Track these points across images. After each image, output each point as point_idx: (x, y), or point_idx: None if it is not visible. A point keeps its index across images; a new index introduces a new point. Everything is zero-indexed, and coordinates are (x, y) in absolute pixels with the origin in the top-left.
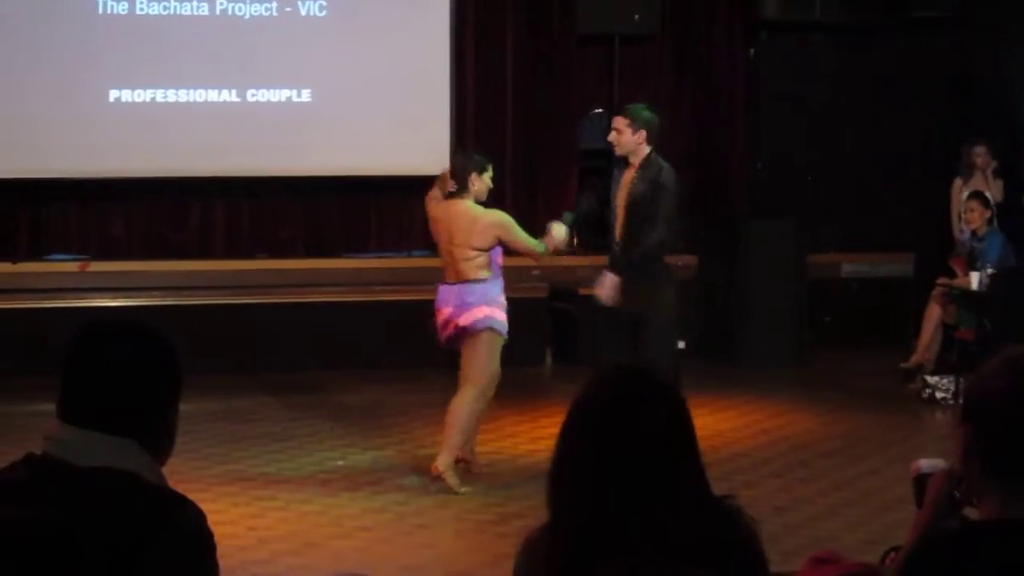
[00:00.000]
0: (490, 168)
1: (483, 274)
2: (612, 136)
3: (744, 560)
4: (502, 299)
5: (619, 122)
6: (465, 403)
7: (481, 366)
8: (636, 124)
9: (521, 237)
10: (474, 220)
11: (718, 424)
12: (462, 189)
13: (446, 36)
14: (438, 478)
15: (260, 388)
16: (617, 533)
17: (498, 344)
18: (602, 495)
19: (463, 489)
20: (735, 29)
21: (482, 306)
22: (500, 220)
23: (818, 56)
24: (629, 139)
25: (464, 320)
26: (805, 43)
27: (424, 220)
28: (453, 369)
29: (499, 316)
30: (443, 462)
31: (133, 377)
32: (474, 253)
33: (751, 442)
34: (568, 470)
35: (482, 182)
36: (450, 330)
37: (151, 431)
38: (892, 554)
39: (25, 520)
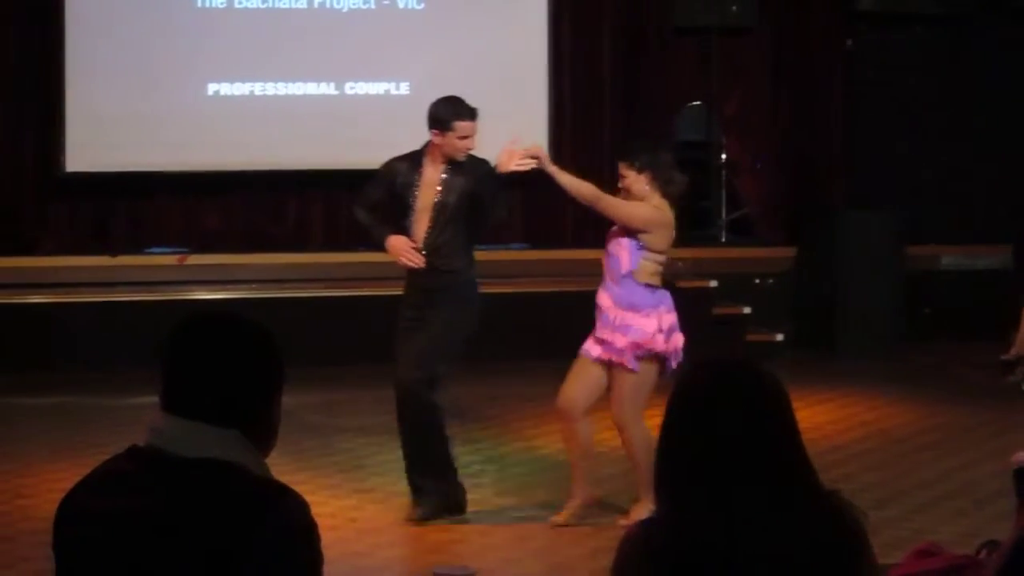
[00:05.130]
0: None
1: None
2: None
3: (850, 553)
4: None
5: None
6: None
7: None
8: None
9: None
10: None
11: (816, 417)
12: None
13: (543, 27)
14: None
15: (358, 380)
16: (720, 526)
17: None
18: (703, 488)
19: None
20: (832, 21)
21: None
22: None
23: (916, 47)
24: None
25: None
26: (903, 34)
27: (523, 212)
28: (554, 362)
29: None
30: None
31: (236, 368)
32: None
33: (849, 435)
34: (670, 462)
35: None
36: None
37: (254, 422)
38: (985, 549)
39: (129, 511)
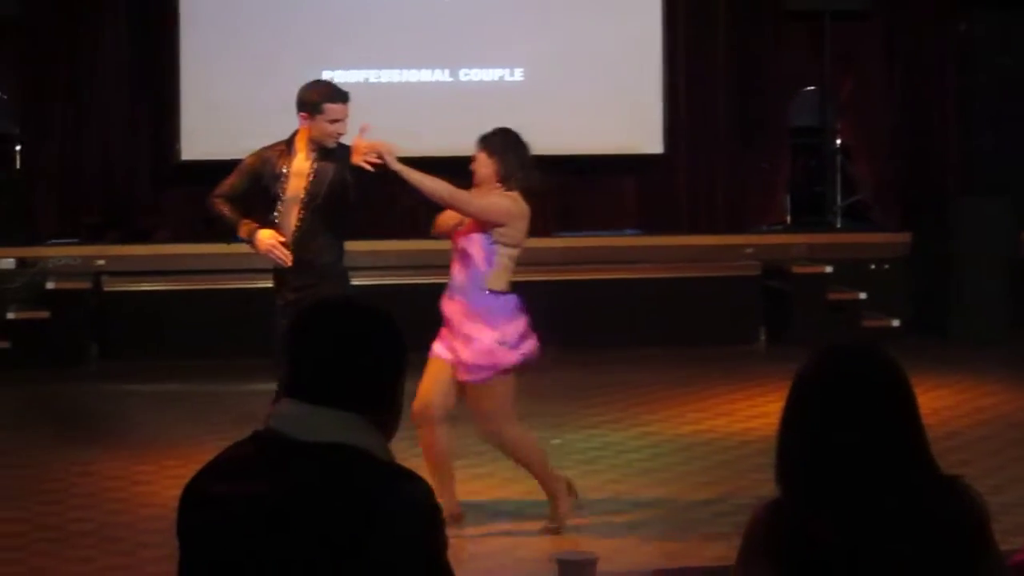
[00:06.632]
0: None
1: None
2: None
3: (973, 538)
4: None
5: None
6: None
7: None
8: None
9: None
10: None
11: (932, 403)
12: None
13: (658, 13)
14: None
15: None
16: (841, 513)
17: None
18: (824, 474)
19: None
20: (946, 4)
21: None
22: None
23: None
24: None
25: None
26: (1018, 17)
27: (637, 198)
28: (669, 347)
29: None
30: None
31: (359, 352)
32: None
33: (966, 420)
34: (791, 445)
35: None
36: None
37: (377, 407)
38: None
39: (253, 496)
